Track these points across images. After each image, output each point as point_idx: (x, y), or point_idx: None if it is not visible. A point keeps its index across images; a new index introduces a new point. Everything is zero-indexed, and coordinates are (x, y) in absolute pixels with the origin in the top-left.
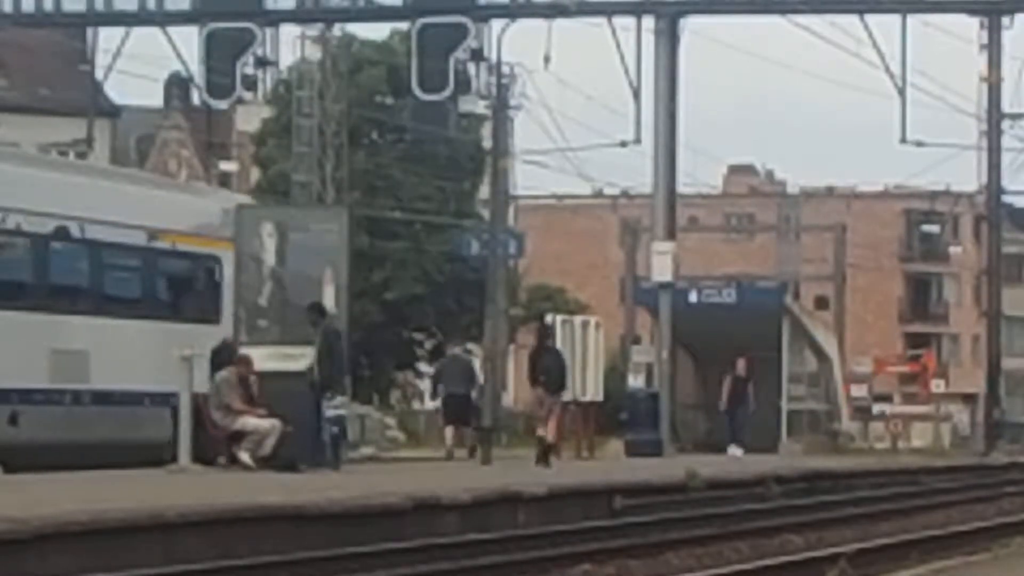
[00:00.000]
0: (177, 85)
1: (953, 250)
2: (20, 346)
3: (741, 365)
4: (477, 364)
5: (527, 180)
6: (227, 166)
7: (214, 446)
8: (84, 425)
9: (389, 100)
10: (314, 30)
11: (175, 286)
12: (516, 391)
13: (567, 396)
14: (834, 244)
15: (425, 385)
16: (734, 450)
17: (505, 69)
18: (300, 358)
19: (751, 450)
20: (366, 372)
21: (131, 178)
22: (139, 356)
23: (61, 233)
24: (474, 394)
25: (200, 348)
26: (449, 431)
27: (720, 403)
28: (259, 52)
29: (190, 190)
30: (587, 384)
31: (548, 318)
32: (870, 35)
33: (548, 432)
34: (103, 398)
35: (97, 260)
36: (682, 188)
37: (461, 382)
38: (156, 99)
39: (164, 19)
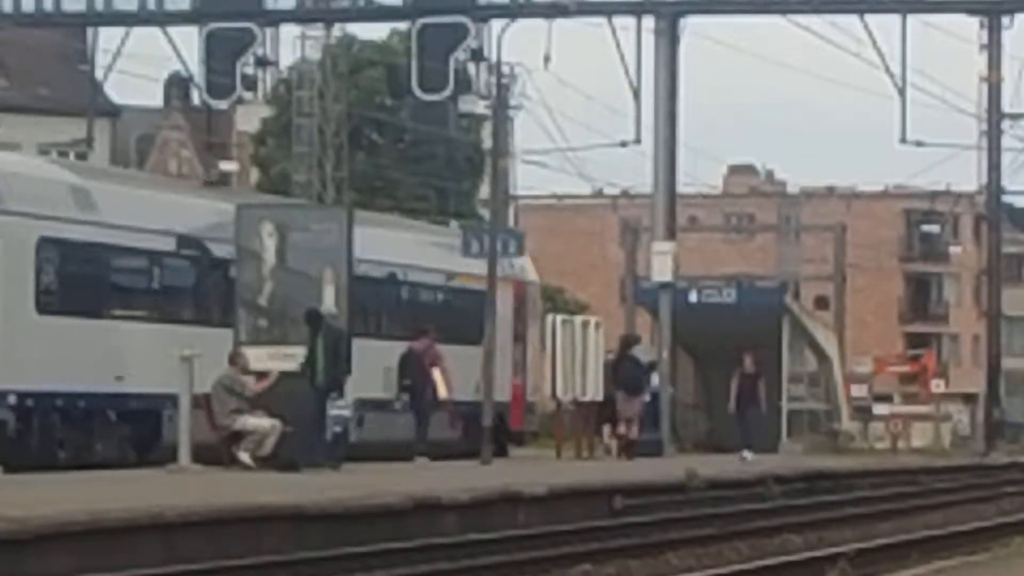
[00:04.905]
0: (177, 85)
1: (953, 250)
2: (367, 364)
3: (748, 362)
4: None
5: (527, 180)
6: (227, 166)
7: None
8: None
9: (389, 100)
10: (314, 30)
11: (461, 314)
12: None
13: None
14: (834, 244)
15: None
16: (746, 454)
17: (505, 69)
18: (300, 358)
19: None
20: None
21: (438, 232)
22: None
23: (392, 277)
24: None
25: (470, 365)
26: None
27: (729, 404)
28: (259, 52)
29: None
30: (587, 384)
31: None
32: (870, 35)
33: (629, 430)
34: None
35: (415, 296)
36: (682, 188)
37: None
38: (156, 99)
39: (164, 19)
